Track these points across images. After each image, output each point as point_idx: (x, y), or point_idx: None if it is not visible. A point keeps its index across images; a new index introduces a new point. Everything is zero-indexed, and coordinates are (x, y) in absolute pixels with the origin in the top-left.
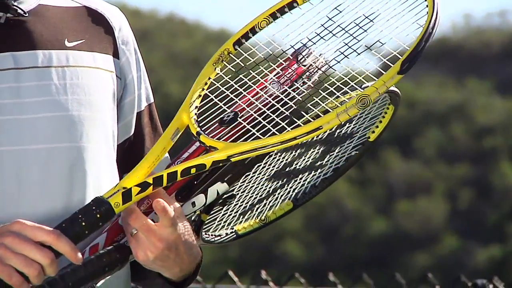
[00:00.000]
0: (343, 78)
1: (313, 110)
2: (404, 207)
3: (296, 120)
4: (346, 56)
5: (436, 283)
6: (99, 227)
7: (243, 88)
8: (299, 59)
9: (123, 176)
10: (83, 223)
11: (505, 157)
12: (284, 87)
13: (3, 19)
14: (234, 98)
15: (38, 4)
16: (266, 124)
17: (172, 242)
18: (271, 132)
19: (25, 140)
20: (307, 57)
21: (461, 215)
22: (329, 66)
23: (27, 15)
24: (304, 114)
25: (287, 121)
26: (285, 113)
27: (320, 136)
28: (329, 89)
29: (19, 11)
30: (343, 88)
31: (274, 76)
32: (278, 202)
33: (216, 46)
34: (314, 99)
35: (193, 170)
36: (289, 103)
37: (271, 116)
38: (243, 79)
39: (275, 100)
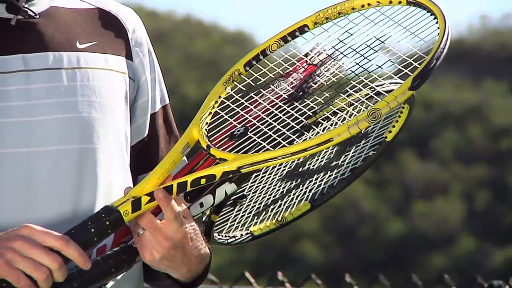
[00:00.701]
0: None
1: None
2: (421, 208)
3: (305, 132)
4: (357, 75)
5: (452, 284)
6: (108, 235)
7: (253, 106)
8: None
9: (136, 177)
10: (92, 230)
11: None
12: (293, 102)
13: (14, 21)
14: (245, 114)
15: (50, 6)
16: (277, 138)
17: (178, 241)
18: (281, 145)
19: (34, 142)
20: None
21: (477, 216)
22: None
23: (37, 17)
24: (314, 127)
25: (297, 134)
26: (295, 126)
27: (332, 145)
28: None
29: (30, 13)
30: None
31: (284, 93)
32: (295, 202)
33: (233, 47)
34: (324, 112)
35: (203, 181)
36: (299, 118)
37: (281, 130)
38: (254, 97)
39: (285, 116)
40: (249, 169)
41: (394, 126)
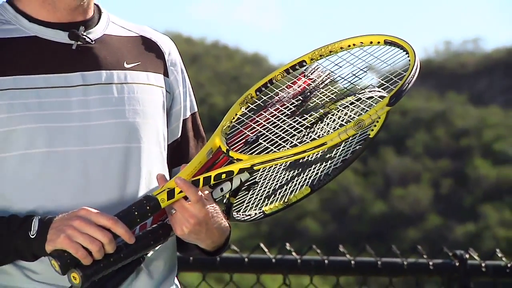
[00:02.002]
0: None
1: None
2: (398, 192)
3: (307, 140)
4: (346, 96)
5: (423, 253)
6: (148, 217)
7: (262, 120)
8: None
9: (172, 170)
10: (136, 213)
11: (478, 154)
12: (294, 118)
13: (75, 46)
14: (256, 127)
15: (103, 34)
16: (282, 143)
17: (202, 219)
18: (285, 149)
19: (91, 141)
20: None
21: (442, 199)
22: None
23: (93, 43)
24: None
25: (298, 140)
26: (296, 133)
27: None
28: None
29: (87, 39)
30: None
31: (286, 110)
32: (298, 187)
33: (251, 66)
34: (320, 125)
35: (223, 176)
36: (300, 128)
37: (285, 137)
38: (262, 114)
39: (288, 123)
40: (259, 166)
41: (375, 126)
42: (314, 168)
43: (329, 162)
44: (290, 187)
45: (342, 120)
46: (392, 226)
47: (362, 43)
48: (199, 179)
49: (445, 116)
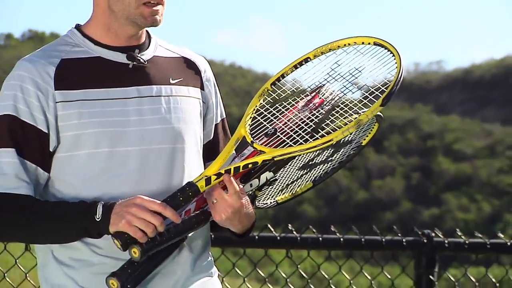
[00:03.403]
0: (346, 107)
1: (326, 128)
2: (377, 183)
3: (315, 135)
4: (344, 93)
5: (398, 232)
6: (190, 201)
7: (279, 113)
8: (320, 92)
9: (206, 164)
10: (181, 198)
11: (440, 153)
12: (307, 113)
13: (131, 65)
14: (274, 119)
15: (153, 56)
16: (296, 137)
17: (237, 208)
18: (299, 143)
19: (145, 142)
20: (325, 92)
21: (412, 188)
22: (338, 99)
23: (146, 63)
24: (320, 131)
25: (309, 135)
26: (308, 130)
27: (332, 143)
28: (336, 114)
29: (141, 60)
30: (346, 114)
31: (299, 104)
32: (303, 182)
33: (261, 83)
34: (326, 121)
35: (250, 165)
36: (310, 124)
37: (298, 131)
38: (278, 107)
39: (301, 121)
40: (279, 158)
41: (367, 136)
42: (318, 168)
43: (329, 163)
44: (298, 183)
45: (350, 108)
46: (372, 210)
47: (355, 43)
48: (230, 168)
49: (414, 122)
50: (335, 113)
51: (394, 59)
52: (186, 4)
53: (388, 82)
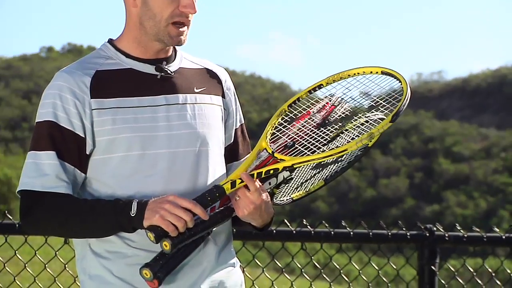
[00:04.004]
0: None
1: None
2: (384, 182)
3: (331, 145)
4: (353, 114)
5: (402, 227)
6: (217, 201)
7: (296, 129)
8: (331, 100)
9: (228, 165)
10: (209, 198)
11: (441, 155)
12: (321, 129)
13: (159, 76)
14: (292, 134)
15: (179, 67)
16: (313, 148)
17: (258, 205)
18: (316, 152)
19: (172, 145)
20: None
21: (416, 187)
22: (347, 105)
23: (172, 74)
24: (336, 143)
25: (325, 146)
26: (323, 142)
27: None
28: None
29: (168, 71)
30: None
31: (312, 110)
32: (316, 181)
33: (278, 91)
34: (340, 135)
35: (271, 171)
36: (325, 137)
37: (315, 143)
38: (295, 124)
39: (317, 135)
40: (298, 165)
41: (373, 138)
42: (330, 168)
43: (340, 164)
44: (311, 181)
45: (357, 133)
46: (379, 207)
47: (364, 72)
48: (253, 173)
49: (417, 127)
50: (352, 125)
51: (401, 84)
52: (212, 20)
53: (398, 96)
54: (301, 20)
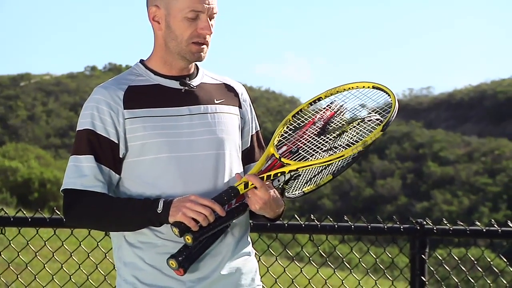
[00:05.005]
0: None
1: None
2: (380, 182)
3: (333, 153)
4: (349, 123)
5: (397, 221)
6: (232, 199)
7: (299, 136)
8: (330, 107)
9: (244, 166)
10: (225, 198)
11: (429, 159)
12: (322, 137)
13: (183, 90)
14: (296, 141)
15: (200, 82)
16: (314, 153)
17: (267, 200)
18: (316, 157)
19: (194, 149)
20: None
21: (408, 186)
22: (345, 111)
23: (195, 88)
24: (334, 149)
25: (325, 152)
26: (323, 148)
27: (344, 158)
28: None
29: (191, 86)
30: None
31: (314, 130)
32: (324, 175)
33: (289, 104)
34: (338, 142)
35: (278, 174)
36: (325, 144)
37: (317, 150)
38: (299, 132)
39: (318, 142)
40: (302, 169)
41: (366, 145)
42: (335, 164)
43: (344, 161)
44: (320, 176)
45: (355, 135)
46: (377, 204)
47: (357, 86)
48: (263, 176)
49: (409, 135)
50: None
51: (390, 97)
52: (233, 43)
53: (388, 108)
54: (310, 44)
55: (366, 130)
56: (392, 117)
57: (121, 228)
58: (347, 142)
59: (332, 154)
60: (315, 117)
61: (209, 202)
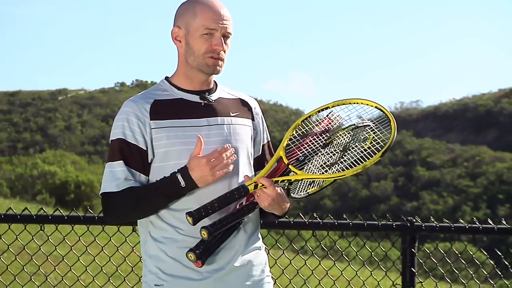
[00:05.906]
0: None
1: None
2: (375, 184)
3: (333, 168)
4: (352, 140)
5: (390, 219)
6: (243, 197)
7: (305, 143)
8: (328, 116)
9: (256, 172)
10: (236, 196)
11: (418, 164)
12: (326, 149)
13: (203, 103)
14: (303, 149)
15: (218, 97)
16: (318, 166)
17: (274, 198)
18: (323, 170)
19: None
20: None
21: (399, 188)
22: (342, 120)
23: (213, 102)
24: (336, 166)
25: (329, 166)
26: (327, 162)
27: (345, 177)
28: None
29: (210, 100)
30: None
31: (321, 137)
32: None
33: (296, 116)
34: (342, 158)
35: (285, 181)
36: (329, 159)
37: (322, 164)
38: (305, 139)
39: (323, 155)
40: (306, 179)
41: (365, 168)
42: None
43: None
44: (322, 180)
45: (356, 155)
46: (372, 203)
47: (362, 103)
48: (272, 180)
49: (400, 143)
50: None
51: (389, 123)
52: (246, 62)
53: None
54: (314, 63)
55: (367, 153)
56: (392, 143)
57: (154, 210)
58: (350, 162)
59: (335, 171)
60: (320, 125)
61: (216, 152)
